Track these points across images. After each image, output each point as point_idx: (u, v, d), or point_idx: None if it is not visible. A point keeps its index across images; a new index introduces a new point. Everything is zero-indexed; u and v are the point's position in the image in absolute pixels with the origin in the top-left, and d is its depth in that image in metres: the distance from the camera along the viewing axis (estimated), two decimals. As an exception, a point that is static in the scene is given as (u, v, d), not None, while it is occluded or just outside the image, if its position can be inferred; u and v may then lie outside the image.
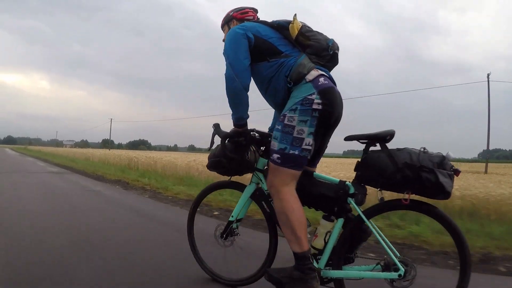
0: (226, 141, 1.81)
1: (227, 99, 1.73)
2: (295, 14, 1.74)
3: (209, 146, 1.91)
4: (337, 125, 1.75)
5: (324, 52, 1.73)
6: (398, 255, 1.57)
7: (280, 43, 1.73)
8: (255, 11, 2.00)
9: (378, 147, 1.60)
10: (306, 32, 1.73)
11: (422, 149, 1.50)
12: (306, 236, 1.64)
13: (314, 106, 1.59)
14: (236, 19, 1.95)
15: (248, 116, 1.76)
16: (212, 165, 1.88)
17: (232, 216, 1.96)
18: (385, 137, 1.56)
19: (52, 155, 23.89)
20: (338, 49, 1.78)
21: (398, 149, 1.54)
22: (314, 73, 1.64)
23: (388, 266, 1.54)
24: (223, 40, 1.94)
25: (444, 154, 1.48)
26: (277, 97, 1.73)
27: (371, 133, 1.60)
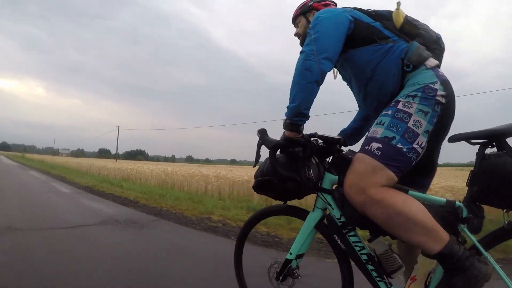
0: (278, 153, 1.37)
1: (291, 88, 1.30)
2: (399, 2, 1.42)
3: (254, 162, 1.42)
4: (445, 136, 1.32)
5: (434, 45, 1.39)
6: None
7: (382, 29, 1.39)
8: (335, 4, 1.66)
9: (495, 149, 1.16)
10: (413, 21, 1.42)
11: None
12: (439, 225, 1.15)
13: (438, 98, 1.21)
14: (317, 10, 1.57)
15: (308, 115, 1.31)
16: (260, 187, 1.40)
17: (291, 254, 1.47)
18: (507, 133, 1.13)
19: (62, 169, 17.26)
20: (444, 48, 1.43)
21: None
22: (433, 61, 1.29)
23: None
24: (296, 34, 1.67)
25: None
26: (384, 88, 1.33)
27: (487, 129, 1.16)
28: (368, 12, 1.46)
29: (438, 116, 1.22)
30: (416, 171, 1.30)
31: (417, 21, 1.43)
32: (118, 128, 54.47)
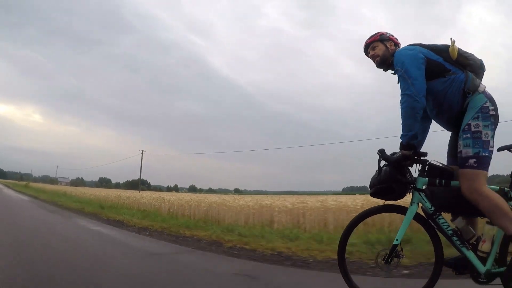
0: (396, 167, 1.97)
1: (401, 116, 1.97)
2: (452, 38, 2.06)
3: (376, 173, 2.05)
4: None
5: (479, 71, 2.08)
6: None
7: (445, 62, 2.04)
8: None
9: None
10: (464, 53, 2.06)
11: None
12: None
13: (491, 112, 1.93)
14: (393, 42, 2.27)
15: (418, 139, 2.02)
16: (379, 192, 2.01)
17: (397, 240, 2.00)
18: None
19: (97, 205, 12.44)
20: (485, 69, 2.11)
21: None
22: (483, 86, 2.00)
23: None
24: (373, 56, 2.27)
25: None
26: (452, 110, 2.02)
27: None
28: (431, 48, 2.09)
29: (494, 123, 1.94)
30: None
31: (466, 52, 2.06)
32: (142, 153, 49.73)
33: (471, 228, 1.97)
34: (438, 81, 2.03)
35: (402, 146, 2.00)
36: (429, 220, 2.02)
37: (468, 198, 1.89)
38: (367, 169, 1.85)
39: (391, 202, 2.11)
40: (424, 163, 2.03)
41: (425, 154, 2.05)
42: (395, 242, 2.02)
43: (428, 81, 2.01)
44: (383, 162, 2.06)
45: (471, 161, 1.90)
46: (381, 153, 2.05)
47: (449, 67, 2.04)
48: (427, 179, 2.01)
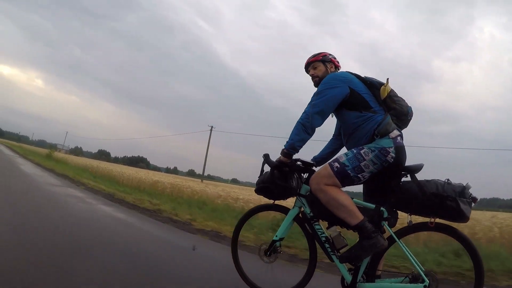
0: (275, 170, 2.11)
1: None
2: (388, 79, 2.07)
3: (259, 175, 2.21)
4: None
5: (403, 117, 2.08)
6: (423, 269, 1.84)
7: (370, 99, 2.05)
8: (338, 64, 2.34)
9: (409, 177, 1.91)
10: (393, 96, 2.06)
11: (446, 181, 1.82)
12: (357, 209, 1.90)
13: (388, 158, 1.90)
14: (334, 64, 2.29)
15: (298, 151, 2.07)
16: (261, 190, 2.19)
17: (276, 236, 2.20)
18: (416, 169, 1.89)
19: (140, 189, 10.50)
20: (412, 116, 2.12)
21: (427, 180, 1.85)
22: (396, 132, 1.98)
23: (415, 279, 1.82)
24: (313, 75, 2.28)
25: (464, 184, 1.79)
26: (359, 142, 2.02)
27: (407, 166, 1.93)
28: (364, 80, 2.10)
29: (383, 167, 1.92)
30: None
31: (396, 96, 2.07)
32: (211, 129, 38.46)
33: (344, 238, 2.02)
34: (353, 114, 2.04)
35: (282, 153, 2.10)
36: (306, 224, 2.14)
37: (313, 191, 2.01)
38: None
39: (281, 203, 2.30)
40: (311, 172, 2.17)
41: (312, 164, 2.20)
42: (274, 238, 2.20)
43: (346, 110, 2.06)
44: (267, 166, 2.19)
45: (335, 164, 1.95)
46: (265, 157, 2.18)
47: (373, 104, 2.04)
48: (310, 187, 2.10)
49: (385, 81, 2.07)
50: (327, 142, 2.50)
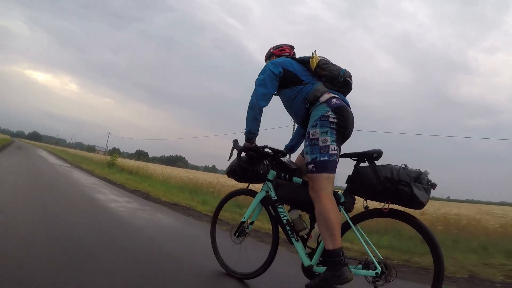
0: (242, 154, 2.26)
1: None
2: (315, 51, 2.21)
3: (228, 158, 2.34)
4: (347, 139, 2.07)
5: (336, 80, 2.11)
6: (381, 257, 1.84)
7: (303, 74, 2.17)
8: (291, 47, 2.48)
9: (367, 163, 1.92)
10: (322, 65, 2.14)
11: (402, 166, 1.82)
12: (340, 235, 1.85)
13: (331, 120, 1.95)
14: (275, 55, 2.41)
15: (257, 133, 2.19)
16: (230, 172, 2.34)
17: (244, 217, 2.34)
18: (373, 154, 1.90)
19: None
20: (350, 77, 2.15)
21: (383, 165, 1.86)
22: (326, 95, 2.02)
23: (368, 265, 1.82)
24: None
25: (423, 170, 1.77)
26: (298, 116, 2.16)
27: (361, 151, 1.94)
28: (298, 60, 2.23)
29: (335, 129, 1.95)
30: None
31: (326, 63, 2.13)
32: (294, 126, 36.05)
33: (303, 222, 2.10)
34: (287, 91, 2.17)
35: (245, 139, 2.22)
36: (270, 207, 2.24)
37: (312, 198, 1.98)
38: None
39: (254, 187, 2.44)
40: (277, 159, 2.29)
41: (280, 151, 2.33)
42: (242, 219, 2.35)
43: (282, 89, 2.19)
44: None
45: (310, 166, 1.95)
46: (234, 143, 2.33)
47: (304, 78, 2.15)
48: (276, 172, 2.24)
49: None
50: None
